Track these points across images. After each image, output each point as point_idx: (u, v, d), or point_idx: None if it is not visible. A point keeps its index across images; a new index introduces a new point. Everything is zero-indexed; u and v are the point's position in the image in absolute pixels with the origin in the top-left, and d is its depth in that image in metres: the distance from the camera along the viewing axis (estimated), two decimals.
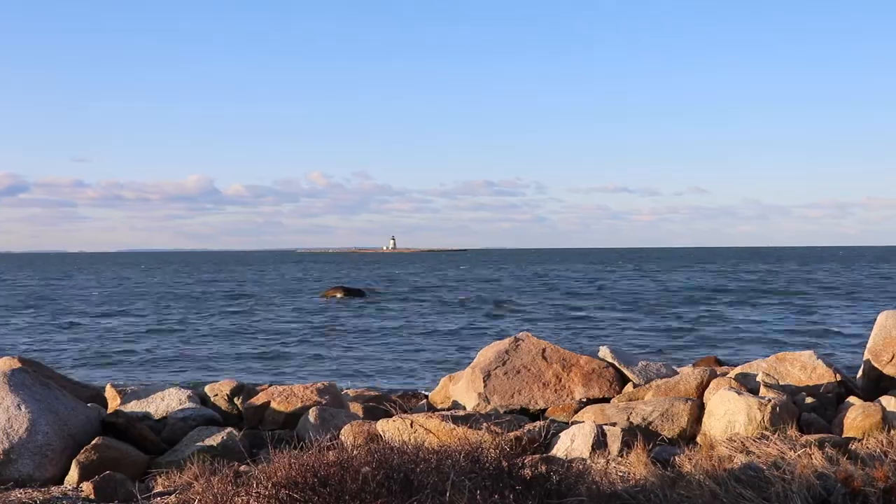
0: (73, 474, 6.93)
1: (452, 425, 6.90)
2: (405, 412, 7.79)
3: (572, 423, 7.36)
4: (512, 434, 6.79)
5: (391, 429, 7.08)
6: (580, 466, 5.59)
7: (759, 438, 6.42)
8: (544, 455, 6.34)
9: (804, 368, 8.66)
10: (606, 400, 8.56)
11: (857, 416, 7.15)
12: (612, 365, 9.04)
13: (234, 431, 7.69)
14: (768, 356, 9.43)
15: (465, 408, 8.66)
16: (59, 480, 6.98)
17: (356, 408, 9.20)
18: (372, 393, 11.47)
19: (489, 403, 8.64)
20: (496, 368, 9.01)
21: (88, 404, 8.53)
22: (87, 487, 6.39)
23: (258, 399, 9.04)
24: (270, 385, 10.16)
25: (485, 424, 6.96)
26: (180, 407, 8.76)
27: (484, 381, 8.86)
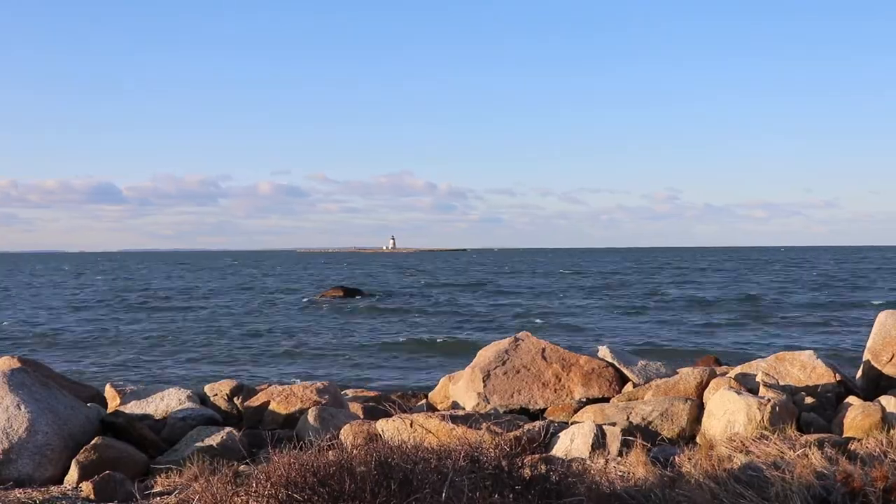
0: (72, 474, 6.93)
1: (452, 425, 6.90)
2: (405, 412, 7.79)
3: (572, 423, 7.36)
4: (511, 434, 6.78)
5: (391, 429, 7.07)
6: (580, 466, 5.59)
7: (758, 438, 6.42)
8: (544, 455, 6.34)
9: (804, 368, 8.66)
10: (606, 400, 8.56)
11: (856, 416, 7.15)
12: (612, 365, 9.04)
13: (234, 431, 7.69)
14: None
15: (464, 408, 8.66)
16: (59, 480, 6.97)
17: (356, 408, 9.20)
18: (371, 393, 11.48)
19: (489, 403, 8.63)
20: (496, 368, 9.01)
21: (88, 404, 8.53)
22: (86, 487, 6.38)
23: (258, 399, 9.04)
24: (270, 385, 10.17)
25: (484, 424, 6.96)
26: (180, 407, 8.77)
27: (483, 381, 8.86)
